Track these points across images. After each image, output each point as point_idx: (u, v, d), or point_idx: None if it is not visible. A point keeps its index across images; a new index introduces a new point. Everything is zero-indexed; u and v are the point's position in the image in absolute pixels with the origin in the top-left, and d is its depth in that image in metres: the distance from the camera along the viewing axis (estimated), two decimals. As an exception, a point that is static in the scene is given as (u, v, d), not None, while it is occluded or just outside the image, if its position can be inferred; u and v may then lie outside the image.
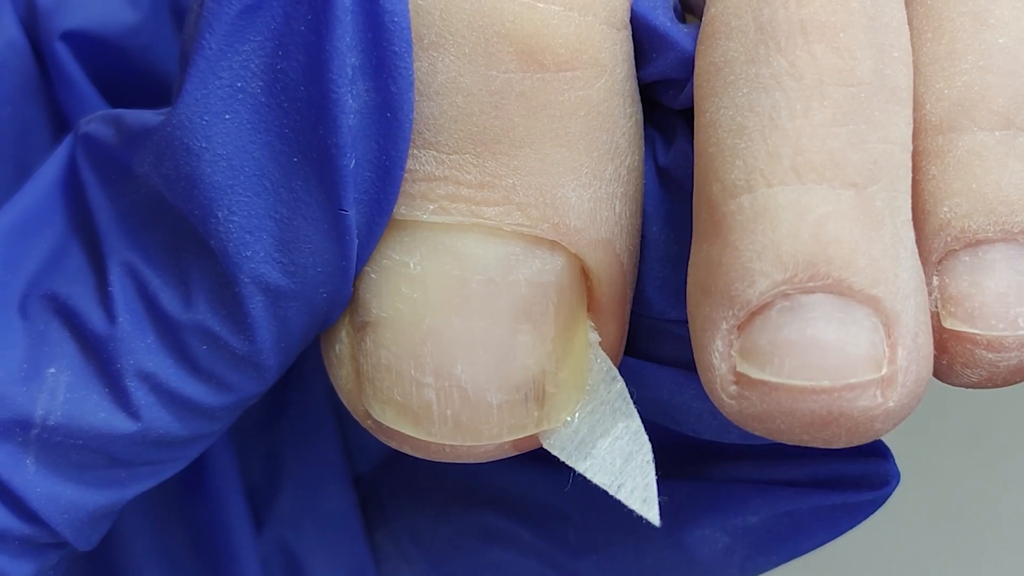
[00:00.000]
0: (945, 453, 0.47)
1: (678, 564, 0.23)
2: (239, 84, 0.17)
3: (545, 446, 0.19)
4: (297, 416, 0.24)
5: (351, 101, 0.17)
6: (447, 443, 0.18)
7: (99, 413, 0.18)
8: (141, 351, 0.18)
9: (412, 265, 0.18)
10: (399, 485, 0.25)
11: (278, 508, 0.24)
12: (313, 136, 0.17)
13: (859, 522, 0.22)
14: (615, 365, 0.19)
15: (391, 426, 0.18)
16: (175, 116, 0.17)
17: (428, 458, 0.19)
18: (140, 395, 0.18)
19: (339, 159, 0.17)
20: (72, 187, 0.19)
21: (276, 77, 0.17)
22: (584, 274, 0.18)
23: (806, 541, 0.22)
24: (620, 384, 0.19)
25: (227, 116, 0.17)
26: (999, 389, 0.19)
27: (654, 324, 0.20)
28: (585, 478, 0.19)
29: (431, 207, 0.18)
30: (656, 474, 0.20)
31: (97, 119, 0.19)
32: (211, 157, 0.17)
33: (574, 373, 0.18)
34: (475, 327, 0.18)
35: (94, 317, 0.18)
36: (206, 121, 0.17)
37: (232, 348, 0.18)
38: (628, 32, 0.19)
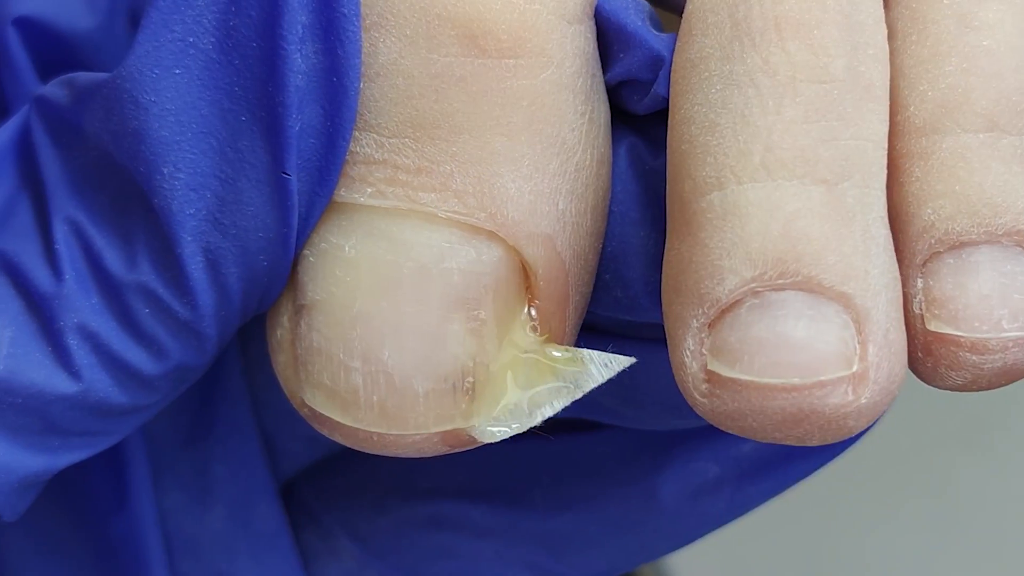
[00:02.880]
0: (945, 453, 0.47)
1: (661, 507, 0.22)
2: (191, 39, 0.17)
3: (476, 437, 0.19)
4: (225, 432, 0.24)
5: (300, 61, 0.17)
6: (374, 430, 0.18)
7: (40, 370, 0.18)
8: (85, 310, 0.18)
9: (347, 248, 0.18)
10: (327, 484, 0.24)
11: (209, 527, 0.24)
12: (262, 94, 0.17)
13: (850, 445, 0.22)
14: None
15: (321, 411, 0.18)
16: (125, 68, 0.17)
17: (357, 447, 0.19)
18: (81, 354, 0.18)
19: (285, 119, 0.17)
20: (24, 148, 0.19)
21: (228, 33, 0.17)
22: (524, 270, 0.18)
23: (797, 467, 0.22)
24: (558, 384, 0.19)
25: (177, 71, 0.17)
26: (1000, 389, 0.19)
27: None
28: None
29: (369, 190, 0.18)
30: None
31: (53, 83, 0.19)
32: (159, 111, 0.17)
33: (507, 368, 0.18)
34: (405, 313, 0.18)
35: (40, 274, 0.18)
36: (156, 74, 0.17)
37: (174, 312, 0.18)
38: (584, 27, 0.18)
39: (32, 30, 0.22)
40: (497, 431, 0.18)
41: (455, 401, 0.18)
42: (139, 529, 0.22)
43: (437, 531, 0.23)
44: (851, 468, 0.45)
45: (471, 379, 0.18)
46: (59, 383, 0.18)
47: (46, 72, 0.22)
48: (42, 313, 0.18)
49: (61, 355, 0.18)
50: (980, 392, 0.18)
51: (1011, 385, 0.19)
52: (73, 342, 0.18)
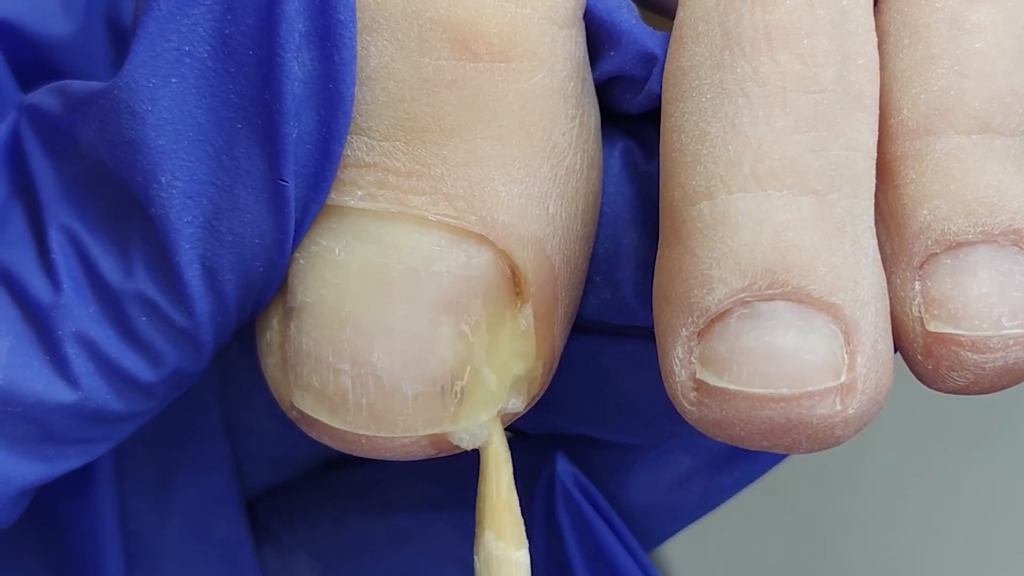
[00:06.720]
0: (945, 453, 0.47)
1: (631, 501, 0.23)
2: (187, 48, 0.17)
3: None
4: (191, 439, 0.23)
5: (297, 68, 0.17)
6: (363, 433, 0.18)
7: (40, 380, 0.18)
8: (83, 319, 0.18)
9: (337, 251, 0.18)
10: (287, 502, 0.24)
11: (167, 535, 0.23)
12: (258, 102, 0.17)
13: None
14: (543, 372, 0.19)
15: (310, 414, 0.18)
16: (121, 79, 0.17)
17: (347, 450, 0.19)
18: (80, 363, 0.18)
19: (282, 126, 0.17)
20: (15, 157, 0.19)
21: (224, 41, 0.17)
22: (514, 273, 0.18)
23: (770, 454, 0.22)
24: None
25: (174, 80, 0.17)
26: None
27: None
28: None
29: (359, 193, 0.18)
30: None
31: (43, 91, 0.19)
32: (156, 121, 0.17)
33: (497, 372, 0.18)
34: (394, 316, 0.18)
35: (37, 284, 0.18)
36: (152, 84, 0.17)
37: (171, 320, 0.18)
38: (574, 32, 0.19)
39: (7, 35, 0.21)
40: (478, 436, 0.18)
41: (444, 404, 0.18)
42: (99, 534, 0.22)
43: (397, 546, 0.23)
44: (850, 467, 0.45)
45: (460, 382, 0.18)
46: (58, 392, 0.18)
47: (21, 77, 0.22)
48: (40, 322, 0.18)
49: (60, 364, 0.18)
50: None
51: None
52: (72, 351, 0.18)
